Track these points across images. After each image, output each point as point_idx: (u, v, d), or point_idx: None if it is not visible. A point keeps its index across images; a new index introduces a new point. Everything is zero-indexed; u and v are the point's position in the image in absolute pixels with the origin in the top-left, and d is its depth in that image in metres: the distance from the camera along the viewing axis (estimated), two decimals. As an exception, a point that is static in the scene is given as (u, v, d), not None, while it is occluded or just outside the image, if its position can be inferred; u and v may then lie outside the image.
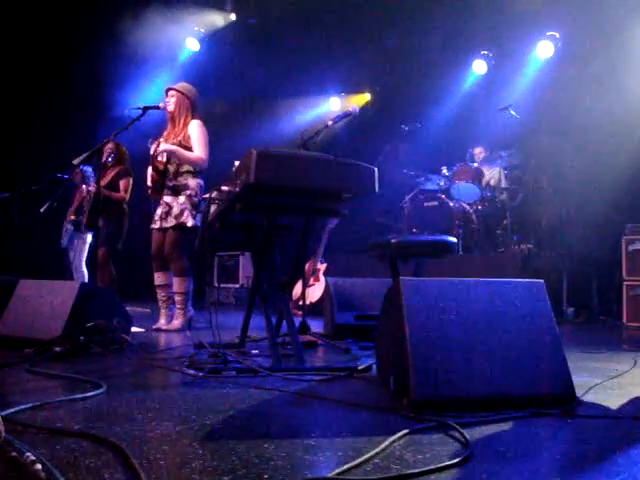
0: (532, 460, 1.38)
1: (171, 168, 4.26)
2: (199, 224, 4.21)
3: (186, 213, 4.20)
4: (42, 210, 5.86)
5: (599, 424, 1.69)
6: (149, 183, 4.31)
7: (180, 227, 4.20)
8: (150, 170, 4.28)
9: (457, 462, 1.29)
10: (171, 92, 4.34)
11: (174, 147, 4.12)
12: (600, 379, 2.34)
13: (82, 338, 2.88)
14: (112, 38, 7.69)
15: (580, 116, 6.16)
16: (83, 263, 6.02)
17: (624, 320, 5.25)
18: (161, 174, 4.26)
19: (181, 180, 4.24)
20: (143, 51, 7.90)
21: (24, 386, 2.17)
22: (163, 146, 4.12)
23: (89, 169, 5.88)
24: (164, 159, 4.22)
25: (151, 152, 4.22)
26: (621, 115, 5.47)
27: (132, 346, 3.05)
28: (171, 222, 4.21)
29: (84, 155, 3.86)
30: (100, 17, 7.72)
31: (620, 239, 5.36)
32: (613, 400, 1.99)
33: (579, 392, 1.94)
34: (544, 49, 7.25)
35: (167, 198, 4.26)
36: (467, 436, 1.47)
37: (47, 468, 1.02)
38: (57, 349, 2.78)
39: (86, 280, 5.89)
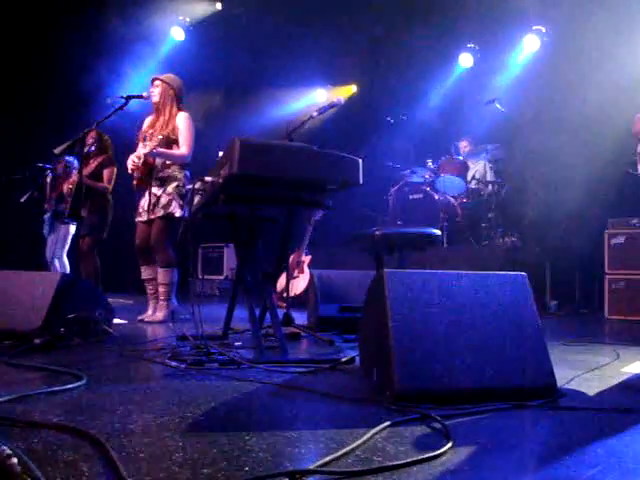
0: (513, 452, 1.39)
1: (159, 160, 4.21)
2: (187, 215, 4.18)
3: (174, 204, 4.17)
4: (22, 200, 5.78)
5: (580, 416, 1.70)
6: (132, 173, 4.23)
7: (167, 217, 4.16)
8: (130, 162, 4.19)
9: (439, 454, 1.29)
10: (156, 82, 4.29)
11: (159, 150, 4.07)
12: (582, 371, 2.36)
13: (63, 330, 2.84)
14: (97, 26, 7.59)
15: (565, 110, 6.19)
16: (64, 254, 5.93)
17: (605, 313, 5.31)
18: (151, 167, 4.20)
19: (168, 171, 4.21)
20: (128, 40, 7.81)
21: (2, 378, 2.14)
22: (145, 151, 4.06)
23: (73, 159, 5.78)
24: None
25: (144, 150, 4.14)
26: (606, 110, 5.50)
27: (114, 338, 3.02)
28: (159, 212, 4.17)
29: (66, 144, 3.80)
30: (85, 5, 7.61)
31: (602, 233, 5.41)
32: (594, 392, 2.01)
33: (561, 384, 1.95)
34: (530, 43, 7.25)
35: (155, 189, 4.22)
36: (449, 428, 1.47)
37: (23, 462, 1.00)
38: (37, 341, 2.75)
39: (67, 271, 5.81)
